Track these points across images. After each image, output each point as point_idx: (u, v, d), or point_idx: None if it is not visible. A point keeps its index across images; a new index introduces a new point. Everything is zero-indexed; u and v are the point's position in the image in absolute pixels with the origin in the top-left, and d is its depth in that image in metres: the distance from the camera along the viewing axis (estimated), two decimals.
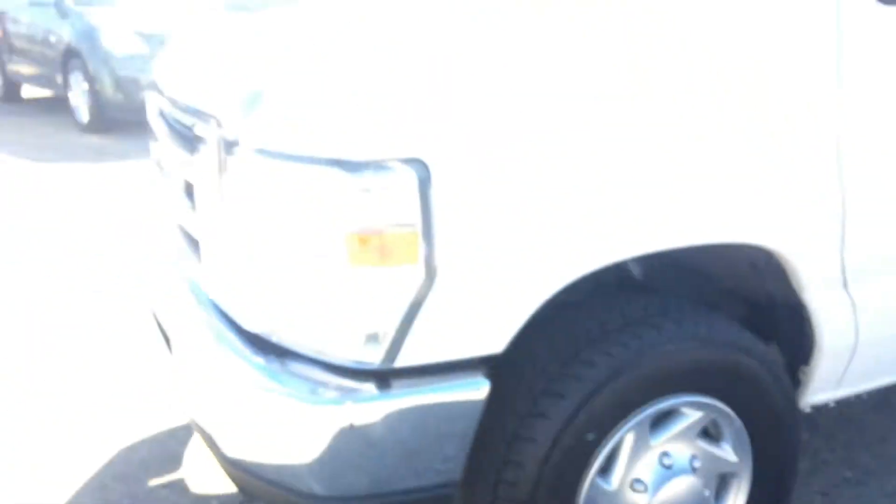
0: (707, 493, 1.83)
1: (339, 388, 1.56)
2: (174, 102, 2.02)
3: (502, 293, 1.53)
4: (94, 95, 8.19)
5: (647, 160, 1.58)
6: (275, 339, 1.62)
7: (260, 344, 1.66)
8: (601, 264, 1.59)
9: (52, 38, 8.93)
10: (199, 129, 1.74)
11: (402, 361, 1.53)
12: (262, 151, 1.52)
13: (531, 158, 1.50)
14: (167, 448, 2.73)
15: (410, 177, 1.43)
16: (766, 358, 1.82)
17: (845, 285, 1.86)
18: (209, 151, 1.69)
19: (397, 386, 1.56)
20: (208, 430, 1.79)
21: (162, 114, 2.14)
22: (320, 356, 1.57)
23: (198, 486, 2.55)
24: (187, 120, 1.86)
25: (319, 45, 1.79)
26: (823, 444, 2.60)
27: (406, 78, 1.50)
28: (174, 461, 2.67)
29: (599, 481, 1.71)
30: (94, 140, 8.09)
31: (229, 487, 2.20)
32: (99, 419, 2.90)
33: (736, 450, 1.84)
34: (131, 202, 5.26)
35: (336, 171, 1.44)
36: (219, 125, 1.64)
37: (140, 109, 2.63)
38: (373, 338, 1.50)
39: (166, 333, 2.08)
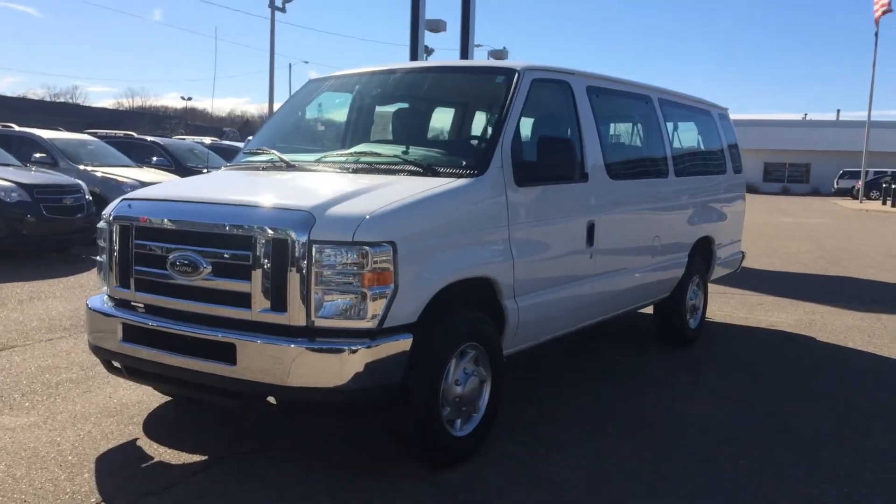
0: (479, 386, 4.25)
1: (354, 343, 3.64)
2: (205, 227, 3.86)
3: (416, 294, 3.82)
4: None
5: (458, 246, 4.06)
6: (316, 325, 3.63)
7: (293, 334, 3.65)
8: (443, 285, 3.96)
9: None
10: (263, 234, 3.68)
11: (382, 326, 3.68)
12: (324, 241, 3.60)
13: (424, 243, 3.87)
14: None
15: (390, 249, 3.66)
16: (493, 328, 4.35)
17: (515, 298, 4.51)
18: (270, 245, 3.65)
19: (378, 339, 3.71)
20: (274, 381, 3.63)
21: (175, 233, 3.94)
22: (346, 327, 3.63)
23: None
24: (239, 232, 3.75)
25: (336, 191, 3.93)
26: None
27: (386, 209, 3.76)
28: None
29: (444, 381, 4.01)
30: None
31: None
32: None
33: (485, 369, 4.32)
34: None
35: (360, 247, 3.60)
36: (282, 232, 3.64)
37: None
38: (375, 316, 3.66)
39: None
